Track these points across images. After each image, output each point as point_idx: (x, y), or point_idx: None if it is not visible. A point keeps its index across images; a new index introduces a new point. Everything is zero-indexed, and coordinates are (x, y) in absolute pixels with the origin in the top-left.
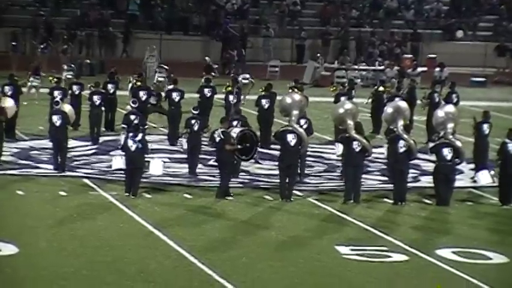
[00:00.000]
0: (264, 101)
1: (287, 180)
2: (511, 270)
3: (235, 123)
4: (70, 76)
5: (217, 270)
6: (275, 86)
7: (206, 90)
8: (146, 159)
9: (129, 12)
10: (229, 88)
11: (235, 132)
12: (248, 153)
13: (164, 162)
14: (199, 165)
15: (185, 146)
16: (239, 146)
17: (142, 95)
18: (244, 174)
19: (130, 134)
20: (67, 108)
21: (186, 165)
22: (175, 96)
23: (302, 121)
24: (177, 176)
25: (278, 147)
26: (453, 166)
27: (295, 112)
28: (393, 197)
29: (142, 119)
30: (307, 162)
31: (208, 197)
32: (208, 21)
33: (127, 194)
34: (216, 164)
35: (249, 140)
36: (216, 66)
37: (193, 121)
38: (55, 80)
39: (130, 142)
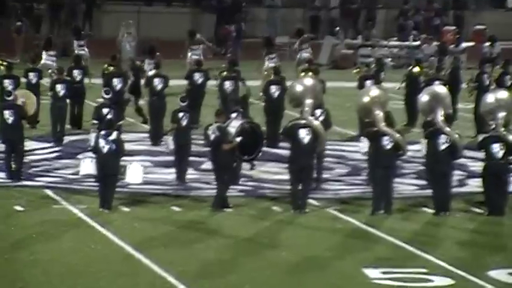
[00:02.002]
0: (273, 88)
1: (300, 187)
2: None
3: (233, 116)
4: (50, 62)
5: None
6: (284, 69)
7: (197, 76)
8: (122, 163)
9: None
10: (226, 72)
11: (233, 126)
12: (251, 151)
13: (145, 167)
14: (190, 170)
15: (171, 146)
16: (239, 140)
17: (117, 82)
18: (246, 180)
19: (103, 132)
20: (27, 96)
21: (173, 170)
22: (157, 83)
23: (318, 112)
24: (161, 184)
25: (288, 145)
26: (506, 165)
27: (309, 101)
28: (434, 205)
29: (117, 112)
30: (325, 163)
31: (201, 209)
32: None
33: (101, 207)
34: (210, 167)
35: (252, 135)
36: (209, 44)
37: (181, 114)
38: (4, 65)
39: (102, 142)
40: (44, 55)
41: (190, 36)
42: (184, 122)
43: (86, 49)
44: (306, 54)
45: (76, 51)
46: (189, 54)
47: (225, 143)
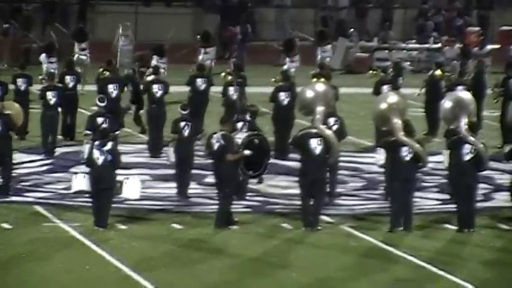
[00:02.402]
0: (282, 95)
1: (311, 202)
2: None
3: (239, 125)
4: (52, 70)
5: None
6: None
7: (199, 82)
8: (118, 177)
9: None
10: (230, 77)
11: (240, 137)
12: (256, 167)
13: (143, 181)
14: (192, 184)
15: (172, 159)
16: (246, 153)
17: (113, 89)
18: (253, 194)
19: (97, 143)
20: (11, 108)
21: (174, 185)
22: (156, 90)
23: (331, 121)
24: (161, 200)
25: (298, 157)
26: None
27: (321, 109)
28: (457, 221)
29: (113, 122)
30: (338, 176)
31: (204, 226)
32: None
33: (95, 225)
34: (214, 181)
35: (258, 149)
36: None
37: (182, 124)
38: None
39: (96, 153)
40: (45, 61)
41: (204, 38)
42: (186, 132)
43: (88, 54)
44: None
45: (77, 55)
46: (201, 57)
47: (230, 152)
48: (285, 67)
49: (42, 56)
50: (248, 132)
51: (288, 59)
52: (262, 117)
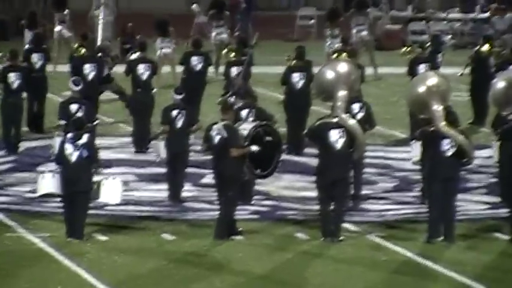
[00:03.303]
0: (295, 77)
1: (332, 207)
2: None
3: (244, 113)
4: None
5: None
6: (309, 51)
7: (194, 61)
8: (96, 177)
9: None
10: (233, 55)
11: (245, 128)
12: (266, 164)
13: (126, 181)
14: (187, 185)
15: (162, 154)
16: (253, 149)
17: (89, 70)
18: (260, 198)
19: (70, 136)
20: None
21: (165, 186)
22: (142, 70)
23: (355, 107)
24: (149, 204)
25: (315, 151)
26: None
27: (343, 93)
28: (510, 230)
29: (89, 110)
30: (364, 175)
31: (201, 237)
32: None
33: (69, 236)
34: (214, 181)
35: (268, 144)
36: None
37: (175, 112)
38: None
39: (69, 149)
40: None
41: (215, 8)
42: (179, 123)
43: (66, 29)
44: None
45: (58, 29)
46: (214, 33)
47: (233, 146)
48: (327, 43)
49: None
50: (255, 121)
51: (329, 32)
52: (270, 103)
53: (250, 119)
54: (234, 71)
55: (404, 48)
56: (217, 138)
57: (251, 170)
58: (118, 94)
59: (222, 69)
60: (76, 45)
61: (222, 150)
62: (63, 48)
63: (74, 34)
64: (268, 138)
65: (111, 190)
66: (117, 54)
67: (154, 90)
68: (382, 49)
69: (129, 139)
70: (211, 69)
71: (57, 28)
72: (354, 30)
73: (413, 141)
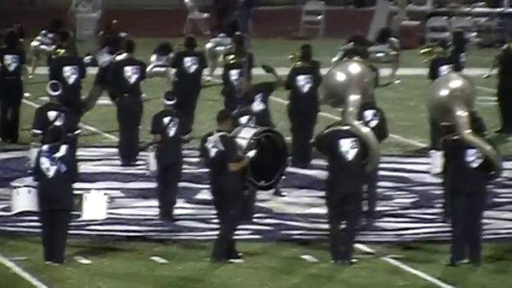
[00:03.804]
0: (301, 80)
1: (343, 225)
2: None
3: (244, 119)
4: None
5: None
6: (316, 50)
7: (188, 62)
8: (77, 192)
9: None
10: (232, 57)
11: (244, 137)
12: (269, 175)
13: (111, 197)
14: (180, 202)
15: (153, 167)
16: (252, 155)
17: (70, 73)
18: (263, 215)
19: (46, 148)
20: None
21: (155, 203)
22: (130, 73)
23: (368, 114)
24: (137, 224)
25: (324, 163)
26: None
27: (354, 98)
28: None
29: (69, 118)
30: (379, 190)
31: (197, 260)
32: None
33: (47, 259)
34: (212, 198)
35: (271, 150)
36: (205, 15)
37: (166, 119)
38: None
39: (46, 162)
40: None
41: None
42: (171, 131)
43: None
44: None
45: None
46: (210, 44)
47: (231, 160)
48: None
49: None
50: (255, 128)
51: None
52: (273, 110)
53: (251, 124)
54: (234, 74)
55: (424, 47)
56: (213, 152)
57: (253, 181)
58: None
59: (218, 71)
60: (54, 46)
61: (219, 165)
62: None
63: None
64: (271, 145)
65: (94, 206)
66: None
67: (143, 95)
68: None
69: (115, 150)
70: (206, 72)
71: (37, 40)
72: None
73: (434, 151)
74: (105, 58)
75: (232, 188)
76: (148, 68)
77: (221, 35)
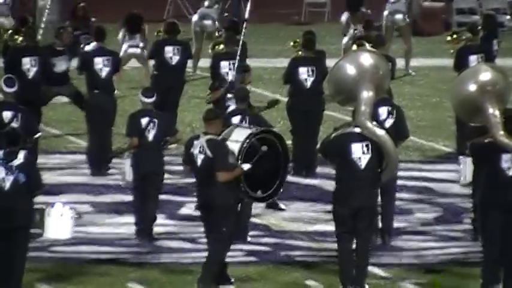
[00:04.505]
0: (303, 73)
1: (354, 245)
2: None
3: (236, 119)
4: None
5: None
6: (322, 37)
7: (169, 52)
8: (38, 206)
9: None
10: (221, 46)
11: (237, 140)
12: (267, 184)
13: (79, 213)
14: (160, 218)
15: (128, 177)
16: (247, 167)
17: (30, 65)
18: (259, 233)
19: (0, 155)
20: None
21: (131, 219)
22: (100, 65)
23: (383, 112)
24: (110, 244)
25: (332, 171)
26: None
27: (367, 94)
28: None
29: (28, 119)
30: (397, 202)
31: (181, 287)
32: None
33: (2, 286)
34: (198, 213)
35: (269, 155)
36: None
37: (144, 120)
38: None
39: (1, 171)
40: None
41: None
42: (150, 134)
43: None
44: None
45: None
46: (196, 17)
47: (221, 169)
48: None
49: None
50: (249, 128)
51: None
52: (273, 110)
53: (245, 126)
54: (224, 66)
55: (449, 33)
56: (200, 158)
57: (248, 193)
58: (73, 98)
59: (206, 62)
60: (9, 32)
61: (207, 174)
62: None
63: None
64: (268, 148)
65: (58, 223)
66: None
67: (117, 91)
68: (419, 34)
69: (83, 157)
70: (190, 64)
71: None
72: (386, 12)
73: (462, 156)
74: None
75: (223, 201)
76: (121, 52)
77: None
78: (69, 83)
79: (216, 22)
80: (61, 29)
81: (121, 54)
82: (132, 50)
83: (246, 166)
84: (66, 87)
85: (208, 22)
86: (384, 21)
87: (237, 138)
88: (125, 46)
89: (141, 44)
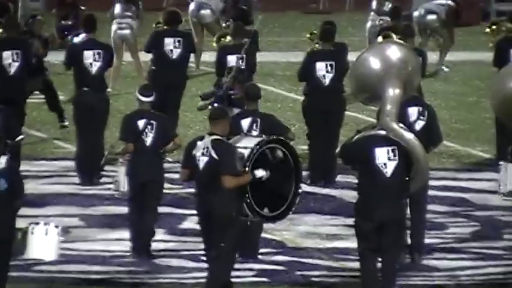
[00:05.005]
0: (321, 68)
1: (379, 263)
2: None
3: (245, 123)
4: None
5: None
6: (342, 29)
7: (169, 45)
8: (21, 220)
9: None
10: (228, 38)
11: (245, 146)
12: (277, 200)
13: (66, 228)
14: (159, 233)
15: (123, 187)
16: (258, 175)
17: (12, 59)
18: (271, 250)
19: None
20: None
21: (126, 234)
22: (91, 60)
23: (413, 113)
24: (102, 262)
25: (354, 180)
26: None
27: (393, 92)
28: None
29: (9, 120)
30: (428, 215)
31: None
32: None
33: None
34: (200, 227)
35: (280, 169)
36: None
37: (141, 123)
38: None
39: None
40: None
41: None
42: (148, 139)
43: None
44: None
45: None
46: (192, 5)
47: (227, 172)
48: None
49: None
50: (260, 136)
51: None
52: (283, 108)
53: (254, 132)
54: (231, 60)
55: (488, 24)
56: (203, 161)
57: (254, 208)
58: (47, 96)
59: (211, 57)
60: None
61: (210, 180)
62: None
63: None
64: (281, 160)
65: (43, 241)
66: (53, 35)
67: (109, 89)
68: (457, 25)
69: (71, 163)
70: (194, 59)
71: None
72: (416, 13)
73: (503, 163)
74: None
75: (224, 212)
76: (112, 33)
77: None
78: (44, 74)
79: (215, 12)
80: (32, 18)
81: (111, 35)
82: (121, 32)
83: (260, 172)
84: (40, 80)
85: (206, 12)
86: (414, 23)
87: (246, 144)
88: (114, 26)
89: (134, 22)
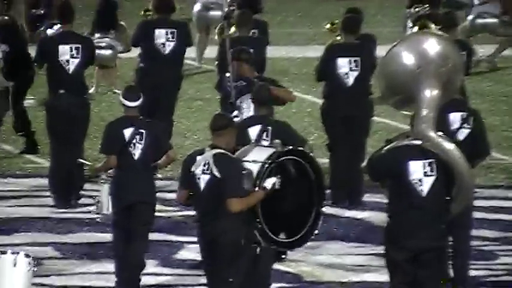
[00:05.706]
0: (343, 65)
1: None
2: None
3: (253, 132)
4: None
5: None
6: (369, 18)
7: (160, 37)
8: None
9: None
10: (232, 29)
11: (256, 160)
12: (295, 224)
13: (38, 259)
14: (151, 264)
15: (106, 209)
16: (268, 186)
17: None
18: (286, 285)
19: None
20: None
21: (111, 266)
22: (67, 56)
23: (454, 119)
24: None
25: (384, 199)
26: None
27: (430, 94)
28: None
29: None
30: (474, 242)
31: None
32: None
33: None
34: (201, 256)
35: (298, 186)
36: None
37: (127, 132)
38: None
39: None
40: None
41: None
42: (136, 151)
43: None
44: None
45: None
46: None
47: (232, 195)
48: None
49: None
50: (272, 147)
51: None
52: (299, 114)
53: (265, 142)
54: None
55: None
56: (204, 181)
57: (268, 234)
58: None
59: (212, 52)
60: None
61: (213, 202)
62: None
63: None
64: (299, 175)
65: (10, 275)
66: (22, 26)
67: (91, 90)
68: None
69: (43, 181)
70: (193, 54)
71: None
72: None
73: None
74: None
75: (231, 239)
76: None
77: None
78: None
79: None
80: None
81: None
82: (101, 52)
83: (270, 181)
84: None
85: (216, 13)
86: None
87: (256, 158)
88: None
89: (117, 47)
